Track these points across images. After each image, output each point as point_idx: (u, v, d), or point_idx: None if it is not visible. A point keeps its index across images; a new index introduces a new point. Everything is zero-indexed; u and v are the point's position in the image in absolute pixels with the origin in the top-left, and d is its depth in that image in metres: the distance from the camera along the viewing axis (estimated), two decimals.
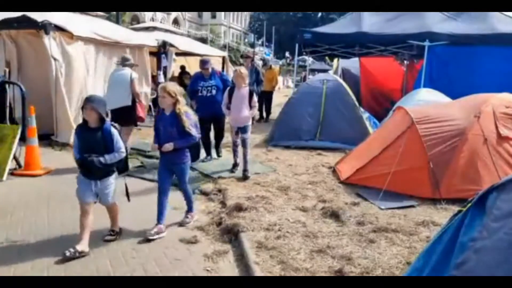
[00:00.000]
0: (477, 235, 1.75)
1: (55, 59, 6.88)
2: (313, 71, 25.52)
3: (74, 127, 7.19)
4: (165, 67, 10.27)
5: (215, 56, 14.32)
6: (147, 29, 12.81)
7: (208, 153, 6.34)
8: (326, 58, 20.79)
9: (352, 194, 4.82)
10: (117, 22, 13.12)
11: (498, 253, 1.61)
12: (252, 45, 52.62)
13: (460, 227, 2.00)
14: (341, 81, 8.34)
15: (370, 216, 4.12)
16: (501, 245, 1.61)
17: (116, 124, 3.63)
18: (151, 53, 9.85)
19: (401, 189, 4.66)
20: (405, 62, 11.08)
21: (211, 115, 6.06)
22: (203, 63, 6.18)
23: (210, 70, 6.18)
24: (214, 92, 6.05)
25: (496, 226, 1.69)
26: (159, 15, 45.09)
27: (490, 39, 8.63)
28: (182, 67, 13.12)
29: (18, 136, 5.52)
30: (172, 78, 11.25)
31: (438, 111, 5.20)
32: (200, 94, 6.04)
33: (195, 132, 3.82)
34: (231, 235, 3.74)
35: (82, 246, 3.31)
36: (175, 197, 4.89)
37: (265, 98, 11.25)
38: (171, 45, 10.48)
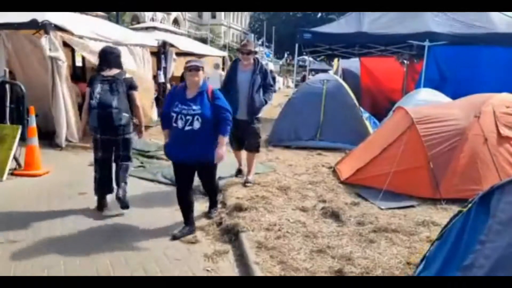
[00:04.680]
0: (484, 238, 1.75)
1: (55, 59, 6.88)
2: (313, 71, 25.51)
3: (74, 128, 7.21)
4: (164, 67, 10.27)
5: (215, 56, 14.31)
6: (147, 29, 12.80)
7: (187, 221, 3.85)
8: (324, 58, 20.71)
9: (352, 194, 4.82)
10: (117, 22, 13.13)
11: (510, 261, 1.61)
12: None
13: (463, 227, 1.99)
14: (341, 81, 8.34)
15: (370, 216, 4.12)
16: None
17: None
18: (151, 53, 9.85)
19: (401, 189, 4.65)
20: (405, 62, 11.08)
21: (189, 161, 3.70)
22: (187, 68, 3.65)
23: (199, 81, 3.63)
24: (196, 125, 3.56)
25: (505, 231, 1.68)
26: (159, 15, 45.10)
27: (490, 39, 8.64)
28: None
29: (18, 136, 5.52)
30: (173, 78, 11.25)
31: (438, 111, 5.20)
32: (174, 124, 3.62)
33: None
34: (231, 235, 3.74)
35: None
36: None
37: None
38: (171, 45, 10.48)
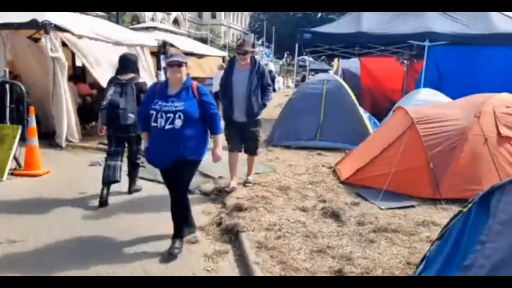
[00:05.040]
0: (484, 238, 1.74)
1: (56, 59, 6.89)
2: (313, 71, 25.52)
3: (74, 128, 7.21)
4: (164, 67, 10.26)
5: (215, 56, 14.31)
6: (147, 29, 12.80)
7: (178, 233, 3.54)
8: (324, 58, 20.72)
9: (352, 194, 4.82)
10: (117, 22, 13.12)
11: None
12: (252, 45, 52.52)
13: (464, 227, 1.99)
14: (341, 81, 8.34)
15: (370, 216, 4.12)
16: None
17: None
18: (151, 53, 9.85)
19: (401, 189, 4.65)
20: (405, 62, 11.09)
21: (171, 163, 3.35)
22: (169, 64, 3.41)
23: (182, 78, 3.35)
24: (178, 123, 3.22)
25: (505, 231, 1.68)
26: (159, 15, 45.08)
27: (490, 39, 8.64)
28: None
29: (18, 136, 5.52)
30: None
31: (438, 111, 5.20)
32: (153, 123, 3.30)
33: None
34: (231, 235, 3.74)
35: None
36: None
37: None
38: (171, 45, 10.48)
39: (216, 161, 3.54)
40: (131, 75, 4.52)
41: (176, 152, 3.28)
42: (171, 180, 3.53)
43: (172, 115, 3.23)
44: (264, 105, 4.92)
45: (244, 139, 5.00)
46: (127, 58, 4.67)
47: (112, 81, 4.51)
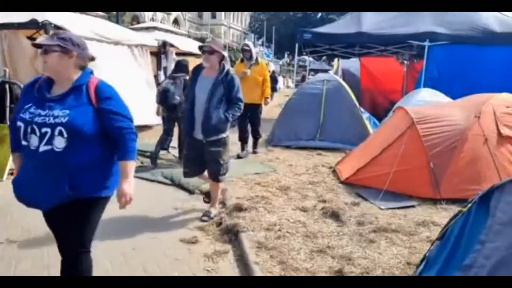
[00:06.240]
0: (484, 238, 1.75)
1: None
2: (312, 71, 25.53)
3: None
4: (165, 67, 10.27)
5: None
6: (147, 29, 12.81)
7: None
8: (325, 58, 20.78)
9: (352, 194, 4.82)
10: (117, 22, 13.13)
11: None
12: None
13: (463, 227, 1.99)
14: (341, 81, 8.35)
15: (370, 216, 4.12)
16: None
17: None
18: (151, 53, 9.86)
19: (401, 189, 4.66)
20: (405, 62, 11.09)
21: (53, 205, 2.15)
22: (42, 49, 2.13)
23: (55, 70, 2.13)
24: (59, 143, 2.03)
25: (505, 231, 1.68)
26: (159, 15, 45.08)
27: (490, 39, 8.65)
28: None
29: None
30: None
31: (438, 111, 5.20)
32: (23, 141, 2.09)
33: None
34: (231, 235, 3.73)
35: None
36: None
37: (250, 115, 6.63)
38: (171, 45, 10.48)
39: (122, 204, 2.30)
40: (182, 74, 6.15)
41: (58, 189, 2.08)
42: (58, 229, 2.30)
43: (49, 130, 2.03)
44: (227, 120, 3.97)
45: (205, 161, 4.08)
46: (181, 63, 6.45)
47: (169, 77, 6.31)
